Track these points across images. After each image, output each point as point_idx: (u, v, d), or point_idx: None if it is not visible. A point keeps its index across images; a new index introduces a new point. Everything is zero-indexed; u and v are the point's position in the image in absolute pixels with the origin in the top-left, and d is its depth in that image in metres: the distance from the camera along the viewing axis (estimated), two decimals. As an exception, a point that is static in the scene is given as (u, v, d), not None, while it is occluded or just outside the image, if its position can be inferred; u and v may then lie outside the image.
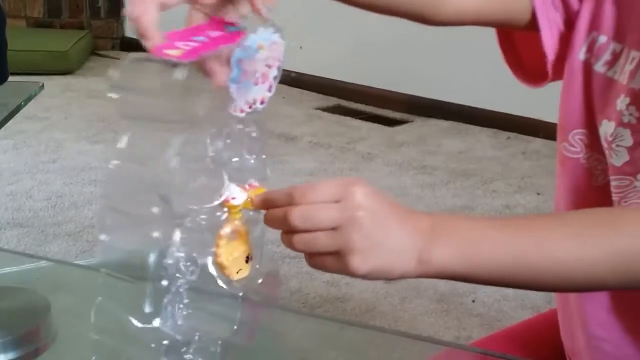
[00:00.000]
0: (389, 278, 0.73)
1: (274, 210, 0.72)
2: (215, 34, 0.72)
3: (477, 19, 0.99)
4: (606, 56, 0.93)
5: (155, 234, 0.72)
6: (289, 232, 0.71)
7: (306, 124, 4.08)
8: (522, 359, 1.02)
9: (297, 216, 0.70)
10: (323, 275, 2.46)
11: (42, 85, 2.08)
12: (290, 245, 0.71)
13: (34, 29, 5.57)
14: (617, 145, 0.91)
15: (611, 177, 0.92)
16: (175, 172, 0.70)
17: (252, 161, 0.76)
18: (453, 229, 0.74)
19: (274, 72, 0.74)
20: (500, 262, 0.73)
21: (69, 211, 2.92)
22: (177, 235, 0.73)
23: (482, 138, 3.80)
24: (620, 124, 0.90)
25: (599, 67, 0.94)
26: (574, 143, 0.98)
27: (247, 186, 0.75)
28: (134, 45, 0.71)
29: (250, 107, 0.73)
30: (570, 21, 0.96)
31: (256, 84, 0.72)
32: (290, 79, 4.76)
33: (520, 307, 2.28)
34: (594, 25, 0.94)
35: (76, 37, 5.18)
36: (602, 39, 0.93)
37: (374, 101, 4.38)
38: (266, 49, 0.72)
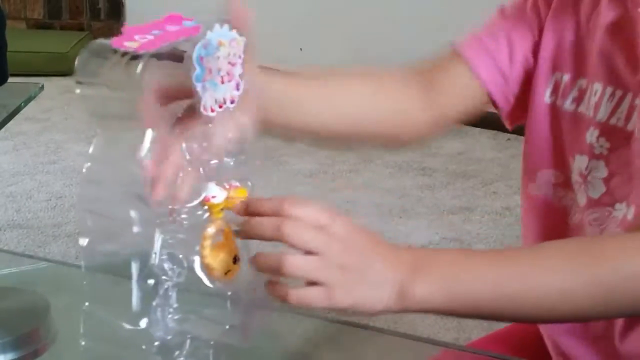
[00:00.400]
0: (371, 313, 0.72)
1: (262, 218, 0.71)
2: (173, 28, 0.72)
3: (450, 119, 1.02)
4: (573, 93, 0.95)
5: (136, 236, 0.71)
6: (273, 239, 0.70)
7: (306, 126, 4.08)
8: (519, 359, 1.03)
9: (289, 226, 0.69)
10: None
11: (42, 87, 2.09)
12: (277, 267, 0.70)
13: (34, 31, 5.58)
14: (593, 178, 0.92)
15: (588, 212, 0.93)
16: (149, 171, 0.70)
17: (232, 163, 0.75)
18: (434, 264, 0.74)
19: (238, 70, 0.74)
20: (481, 296, 0.73)
21: (68, 212, 2.92)
22: (157, 236, 0.73)
23: (482, 139, 3.80)
24: (593, 156, 0.92)
25: (568, 106, 0.95)
26: (542, 183, 1.00)
27: (226, 185, 0.74)
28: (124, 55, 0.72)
29: (220, 107, 0.73)
30: (529, 74, 0.98)
31: (222, 82, 0.72)
32: (290, 81, 4.76)
33: (519, 309, 2.28)
34: (556, 66, 0.96)
35: (76, 39, 5.18)
36: (566, 77, 0.95)
37: (373, 102, 4.38)
38: (227, 46, 0.72)
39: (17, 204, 3.00)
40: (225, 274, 0.73)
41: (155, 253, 0.72)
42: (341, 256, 0.70)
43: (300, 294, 0.70)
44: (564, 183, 0.97)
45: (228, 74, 0.73)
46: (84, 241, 0.72)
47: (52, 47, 4.97)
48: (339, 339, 0.99)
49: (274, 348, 0.95)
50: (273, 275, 0.71)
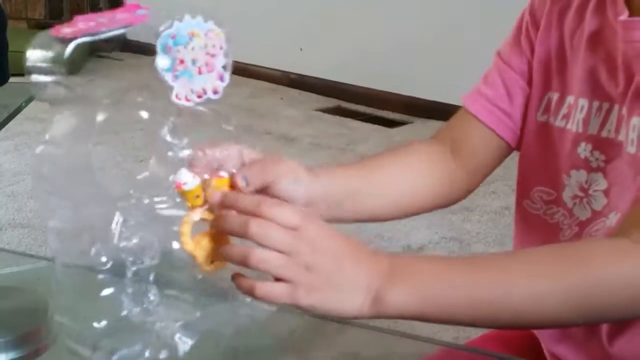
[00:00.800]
0: (342, 316, 0.73)
1: (234, 215, 0.72)
2: (121, 15, 0.73)
3: (481, 174, 1.05)
4: (563, 110, 0.97)
5: (96, 217, 0.72)
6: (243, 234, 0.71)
7: (306, 125, 4.09)
8: (516, 358, 1.03)
9: (256, 224, 0.70)
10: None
11: (43, 87, 2.08)
12: (244, 256, 0.71)
13: (35, 31, 5.57)
14: (594, 191, 0.94)
15: (591, 225, 0.94)
16: (102, 154, 0.71)
17: (209, 152, 0.76)
18: (410, 271, 0.74)
19: (220, 61, 0.74)
20: (457, 303, 0.73)
21: (69, 212, 2.92)
22: (117, 218, 0.73)
23: (482, 139, 3.80)
24: (591, 170, 0.94)
25: (558, 123, 0.98)
26: (535, 200, 1.02)
27: (205, 175, 0.75)
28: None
29: (199, 97, 0.74)
30: (526, 98, 1.02)
31: (200, 73, 0.73)
32: (290, 80, 4.77)
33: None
34: (547, 86, 0.99)
35: (77, 38, 5.18)
36: (555, 96, 0.98)
37: (373, 102, 4.38)
38: (202, 37, 0.73)
39: (18, 204, 3.00)
40: (211, 262, 0.74)
41: (117, 235, 0.72)
42: (308, 257, 0.70)
43: (265, 288, 0.71)
44: (556, 200, 0.99)
45: (208, 64, 0.73)
46: (53, 223, 0.73)
47: (53, 47, 4.96)
48: (338, 339, 1.00)
49: (272, 347, 0.96)
50: (242, 268, 0.72)
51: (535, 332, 1.05)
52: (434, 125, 4.04)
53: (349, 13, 4.42)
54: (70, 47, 0.69)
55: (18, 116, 1.98)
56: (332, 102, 4.49)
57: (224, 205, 0.73)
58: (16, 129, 3.57)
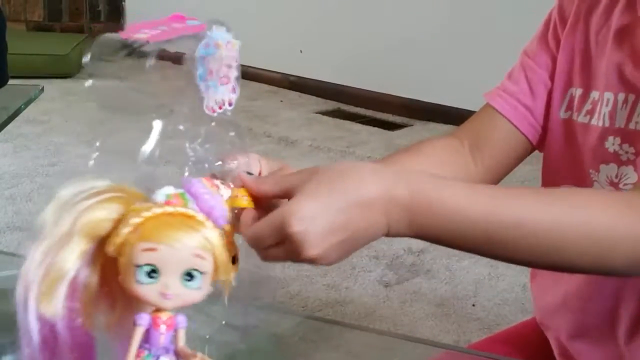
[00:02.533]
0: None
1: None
2: (178, 25, 0.73)
3: (502, 169, 1.04)
4: (587, 106, 0.97)
5: None
6: None
7: (306, 128, 4.08)
8: None
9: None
10: (323, 279, 2.46)
11: (42, 89, 2.08)
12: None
13: (34, 33, 5.58)
14: (624, 185, 0.94)
15: None
16: (156, 163, 0.70)
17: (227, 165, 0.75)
18: (431, 206, 0.72)
19: (234, 73, 0.74)
20: (474, 240, 0.73)
21: (68, 215, 2.92)
22: None
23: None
24: (622, 163, 0.93)
25: (582, 118, 0.97)
26: None
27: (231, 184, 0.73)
28: (134, 49, 0.72)
29: (220, 108, 0.73)
30: (549, 93, 1.01)
31: (222, 84, 0.73)
32: (290, 83, 4.76)
33: (520, 311, 2.28)
34: (569, 82, 0.99)
35: (76, 41, 5.19)
36: (579, 91, 0.98)
37: (373, 105, 4.38)
38: (223, 48, 0.72)
39: (17, 206, 3.00)
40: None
41: None
42: (307, 255, 0.69)
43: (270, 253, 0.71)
44: None
45: (226, 76, 0.73)
46: None
47: (52, 49, 4.97)
48: (339, 341, 0.99)
49: (274, 349, 0.95)
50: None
51: (547, 331, 1.04)
52: (435, 127, 4.04)
53: (349, 15, 4.42)
54: (152, 54, 0.68)
55: (17, 119, 1.97)
56: (332, 105, 4.49)
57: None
58: (15, 132, 3.57)
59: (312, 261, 0.69)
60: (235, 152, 0.75)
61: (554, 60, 1.01)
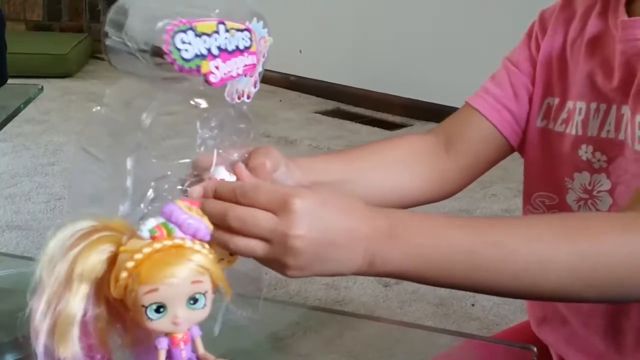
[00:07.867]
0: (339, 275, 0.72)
1: (214, 203, 0.69)
2: (249, 60, 0.72)
3: (477, 168, 1.05)
4: (563, 115, 0.98)
5: (127, 186, 0.70)
6: (223, 228, 0.68)
7: (305, 128, 4.09)
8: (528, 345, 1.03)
9: (234, 217, 0.67)
10: (322, 279, 2.46)
11: (42, 88, 2.08)
12: (225, 244, 0.68)
13: (33, 32, 5.58)
14: (598, 192, 0.94)
15: None
16: (155, 125, 0.69)
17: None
18: (410, 231, 0.71)
19: (259, 68, 0.75)
20: (454, 265, 0.71)
21: (68, 214, 2.92)
22: (149, 194, 0.71)
23: (481, 142, 3.81)
24: (594, 171, 0.95)
25: (558, 127, 0.99)
26: (537, 206, 1.03)
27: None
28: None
29: (239, 98, 0.74)
30: (530, 99, 1.03)
31: (245, 75, 0.73)
32: (289, 83, 4.76)
33: (519, 311, 2.28)
34: (547, 91, 1.00)
35: (76, 40, 5.19)
36: (556, 100, 0.99)
37: (373, 105, 4.38)
38: (256, 42, 0.73)
39: (16, 206, 3.00)
40: (220, 260, 0.71)
41: (141, 211, 0.71)
42: (291, 241, 0.67)
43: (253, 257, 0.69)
44: (559, 205, 0.99)
45: (251, 69, 0.74)
46: (76, 179, 0.72)
47: (52, 49, 4.97)
48: (338, 341, 1.00)
49: (272, 347, 0.95)
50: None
51: (549, 343, 1.05)
52: (433, 127, 4.04)
53: (348, 15, 4.42)
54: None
55: (16, 118, 1.97)
56: (331, 105, 4.49)
57: (207, 195, 0.70)
58: (14, 131, 3.58)
59: (291, 250, 0.67)
60: (246, 143, 0.76)
61: (534, 67, 1.02)
